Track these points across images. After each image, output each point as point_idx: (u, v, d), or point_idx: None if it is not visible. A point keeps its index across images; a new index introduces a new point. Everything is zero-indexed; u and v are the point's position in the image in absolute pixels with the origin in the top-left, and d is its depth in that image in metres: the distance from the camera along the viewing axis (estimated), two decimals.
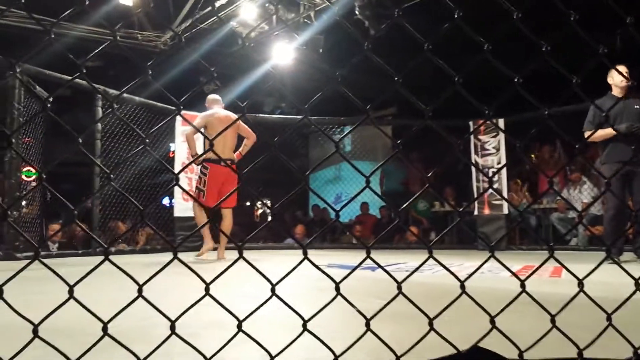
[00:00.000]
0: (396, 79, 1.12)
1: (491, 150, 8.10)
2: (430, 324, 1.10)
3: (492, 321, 1.13)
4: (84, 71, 1.03)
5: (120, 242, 7.43)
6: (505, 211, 7.99)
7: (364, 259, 1.08)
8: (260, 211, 13.91)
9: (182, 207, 7.45)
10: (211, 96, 6.03)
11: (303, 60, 9.18)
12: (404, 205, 1.41)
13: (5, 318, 1.07)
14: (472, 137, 8.13)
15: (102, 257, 1.00)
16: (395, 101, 10.90)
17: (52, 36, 1.03)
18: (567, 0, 1.22)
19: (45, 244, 7.07)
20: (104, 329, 0.97)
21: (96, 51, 1.16)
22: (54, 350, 0.95)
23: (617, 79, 4.85)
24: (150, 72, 1.06)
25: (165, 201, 9.67)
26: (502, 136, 7.93)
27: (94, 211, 6.75)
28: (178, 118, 6.46)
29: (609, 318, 1.20)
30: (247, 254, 1.04)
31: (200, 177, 5.65)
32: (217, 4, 7.66)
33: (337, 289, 1.06)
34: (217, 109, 5.82)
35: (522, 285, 1.14)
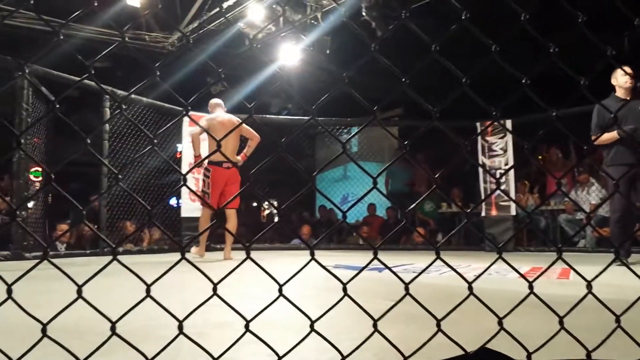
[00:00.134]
0: (403, 80, 1.12)
1: (498, 151, 8.08)
2: (438, 324, 1.10)
3: (500, 322, 1.12)
4: (92, 72, 1.04)
5: (128, 241, 7.46)
6: (513, 212, 7.96)
7: (371, 260, 1.08)
8: (267, 212, 13.92)
9: (190, 207, 7.46)
10: (213, 100, 6.13)
11: (310, 62, 9.19)
12: (412, 206, 1.41)
13: (15, 317, 1.07)
14: (479, 138, 8.11)
15: (110, 257, 1.01)
16: (402, 102, 10.89)
17: (61, 37, 1.03)
18: (573, 1, 1.22)
19: (54, 244, 7.10)
20: (112, 329, 0.97)
21: (105, 52, 1.17)
22: (63, 349, 0.96)
23: (621, 80, 4.82)
24: (158, 73, 1.06)
25: (173, 201, 9.69)
26: (509, 137, 7.91)
27: (101, 211, 6.78)
28: (185, 119, 6.48)
29: (617, 320, 1.19)
30: (254, 254, 1.04)
31: (204, 180, 5.74)
32: (225, 5, 7.68)
33: (345, 289, 1.06)
34: (219, 112, 5.92)
35: (530, 287, 1.14)
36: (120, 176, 1.11)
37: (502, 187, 6.77)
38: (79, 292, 0.96)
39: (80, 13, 1.18)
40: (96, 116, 7.29)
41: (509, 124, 7.71)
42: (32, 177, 6.99)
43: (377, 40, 1.13)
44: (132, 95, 6.59)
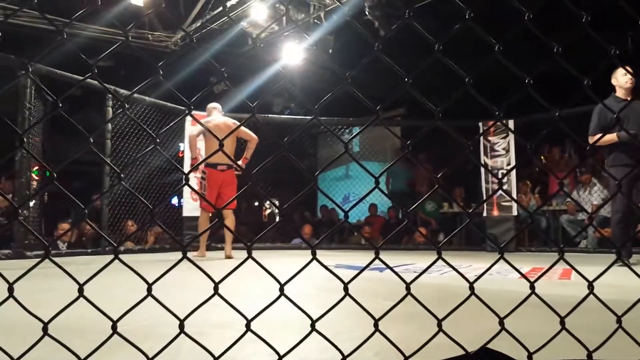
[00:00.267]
0: (406, 79, 1.12)
1: (501, 151, 8.07)
2: (439, 324, 1.10)
3: (501, 322, 1.12)
4: (95, 71, 1.04)
5: (131, 239, 7.48)
6: (515, 213, 7.95)
7: (373, 260, 1.08)
8: (268, 211, 13.93)
9: (191, 206, 7.47)
10: (211, 104, 6.25)
11: (313, 61, 9.19)
12: (414, 206, 1.41)
13: (16, 316, 1.07)
14: (481, 138, 8.11)
15: (111, 256, 1.01)
16: (404, 102, 10.88)
17: (65, 36, 1.04)
18: (575, 0, 1.22)
19: (55, 243, 7.11)
20: (114, 327, 0.97)
21: (108, 51, 1.17)
22: (64, 348, 0.96)
23: (621, 80, 4.80)
24: (161, 73, 1.07)
25: (174, 201, 9.70)
26: (511, 137, 7.90)
27: (103, 210, 6.79)
28: (187, 118, 6.49)
29: (619, 320, 1.19)
30: (255, 254, 1.04)
31: (200, 182, 5.80)
32: (228, 4, 7.69)
33: (346, 289, 1.06)
34: (215, 115, 6.05)
35: (532, 287, 1.14)
36: (122, 175, 1.11)
37: (504, 187, 6.77)
38: (81, 290, 0.96)
39: (83, 12, 1.18)
40: (99, 115, 7.30)
41: (511, 123, 7.71)
42: (34, 176, 6.99)
43: (381, 40, 1.13)
44: (135, 95, 6.60)
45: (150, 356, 0.99)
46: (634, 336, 1.18)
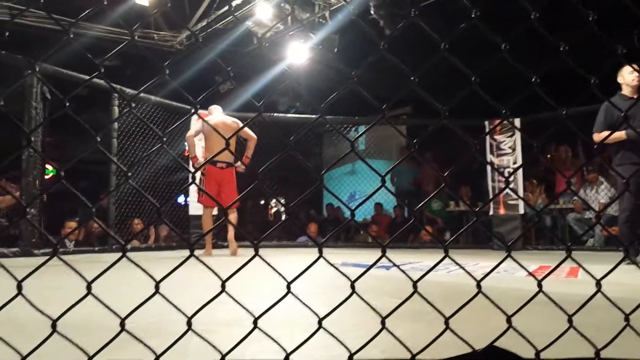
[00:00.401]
0: (412, 78, 1.12)
1: (507, 150, 8.05)
2: (446, 322, 1.10)
3: (509, 320, 1.12)
4: (102, 70, 1.04)
5: (138, 237, 7.52)
6: (521, 211, 7.93)
7: (380, 258, 1.08)
8: (274, 210, 13.94)
9: (197, 205, 7.49)
10: (212, 106, 6.34)
11: (318, 60, 9.19)
12: (421, 204, 1.41)
13: (25, 313, 1.08)
14: (487, 136, 8.09)
15: (118, 254, 1.02)
16: (410, 100, 10.87)
17: (71, 36, 1.04)
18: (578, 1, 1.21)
19: (63, 241, 7.14)
20: (122, 325, 0.98)
21: (115, 50, 1.18)
22: (73, 345, 0.96)
23: (628, 78, 4.77)
24: (167, 72, 1.07)
25: (181, 199, 9.73)
26: (518, 136, 7.88)
27: (110, 209, 6.82)
28: (193, 117, 6.53)
29: (626, 318, 1.19)
30: (261, 252, 1.05)
31: (200, 179, 5.84)
32: (233, 4, 7.69)
33: (353, 287, 1.06)
34: (215, 115, 6.12)
35: (539, 285, 1.14)
36: (129, 174, 1.12)
37: (511, 186, 6.76)
38: (89, 288, 0.97)
39: (89, 12, 1.18)
40: (105, 114, 7.33)
41: (517, 122, 7.69)
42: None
43: (386, 39, 1.13)
44: (141, 94, 6.62)
45: (158, 353, 1.00)
46: None
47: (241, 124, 5.86)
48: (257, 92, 8.87)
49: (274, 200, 13.01)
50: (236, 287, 1.04)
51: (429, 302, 1.09)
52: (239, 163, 5.87)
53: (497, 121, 7.29)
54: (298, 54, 8.68)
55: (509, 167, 7.90)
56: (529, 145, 7.75)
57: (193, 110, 1.06)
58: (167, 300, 0.99)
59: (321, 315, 1.06)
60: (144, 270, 1.01)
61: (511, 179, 7.69)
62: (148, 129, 6.90)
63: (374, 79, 7.11)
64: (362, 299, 1.06)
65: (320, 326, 1.05)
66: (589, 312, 1.24)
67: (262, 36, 7.12)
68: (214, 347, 1.01)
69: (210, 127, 5.56)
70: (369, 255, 5.85)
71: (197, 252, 1.03)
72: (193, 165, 5.94)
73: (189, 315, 1.00)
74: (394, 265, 1.10)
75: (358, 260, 5.10)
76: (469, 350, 1.11)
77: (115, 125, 6.64)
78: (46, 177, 10.87)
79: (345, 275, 1.08)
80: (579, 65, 1.20)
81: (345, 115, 8.89)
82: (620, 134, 4.57)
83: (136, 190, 6.22)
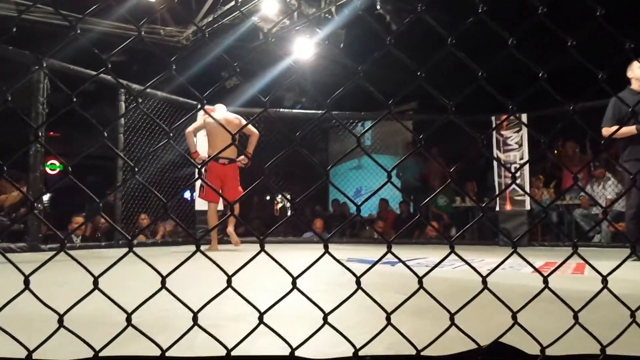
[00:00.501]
0: (419, 73, 1.12)
1: (514, 145, 8.02)
2: (452, 318, 1.10)
3: (514, 317, 1.12)
4: (109, 66, 1.05)
5: (145, 232, 7.56)
6: (528, 207, 7.91)
7: (385, 253, 1.08)
8: (280, 205, 13.95)
9: (203, 200, 7.52)
10: (215, 105, 6.38)
11: (324, 55, 9.18)
12: (427, 199, 1.41)
13: (32, 308, 1.09)
14: (494, 132, 8.06)
15: (124, 249, 1.02)
16: (416, 96, 10.84)
17: (78, 31, 1.04)
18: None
19: (70, 236, 7.19)
20: (128, 320, 0.98)
21: (122, 46, 1.18)
22: (79, 339, 0.97)
23: (638, 72, 4.74)
24: (174, 67, 1.07)
25: (187, 195, 9.76)
26: (524, 131, 7.84)
27: (116, 204, 6.84)
28: (199, 112, 6.55)
29: (632, 315, 1.19)
30: (266, 247, 1.05)
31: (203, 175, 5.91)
32: None
33: (358, 283, 1.06)
34: (217, 111, 6.16)
35: (545, 282, 1.14)
36: (136, 169, 1.12)
37: (517, 182, 6.74)
38: (95, 283, 0.97)
39: (97, 7, 1.19)
40: (111, 110, 7.35)
41: (524, 117, 7.66)
42: (48, 169, 7.05)
43: (393, 34, 1.13)
44: (148, 89, 6.64)
45: (164, 348, 1.00)
46: None
47: (243, 121, 5.95)
48: (263, 87, 8.87)
49: (279, 196, 13.02)
50: (242, 282, 1.05)
51: (434, 298, 1.09)
52: (241, 157, 5.91)
53: (504, 116, 7.27)
54: (304, 49, 8.67)
55: (515, 162, 7.87)
56: (536, 141, 7.72)
57: (199, 106, 1.07)
58: (174, 295, 1.00)
59: (327, 311, 1.06)
60: (150, 265, 1.01)
61: (518, 174, 7.66)
62: (154, 125, 6.92)
63: (380, 74, 7.10)
64: (367, 294, 1.06)
65: (325, 322, 1.05)
66: (595, 308, 1.24)
67: (268, 31, 7.11)
68: (219, 342, 1.01)
69: (212, 125, 5.63)
70: (374, 251, 5.86)
71: (203, 248, 1.03)
72: (194, 161, 5.98)
73: (195, 310, 1.01)
74: (400, 261, 1.10)
75: (363, 256, 5.10)
76: (474, 346, 1.11)
77: (122, 120, 6.66)
78: (53, 172, 10.97)
79: (351, 271, 1.08)
80: (587, 60, 1.19)
81: (352, 111, 8.88)
82: (630, 129, 4.54)
83: (143, 185, 6.24)
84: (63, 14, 1.07)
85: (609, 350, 1.14)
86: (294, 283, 1.04)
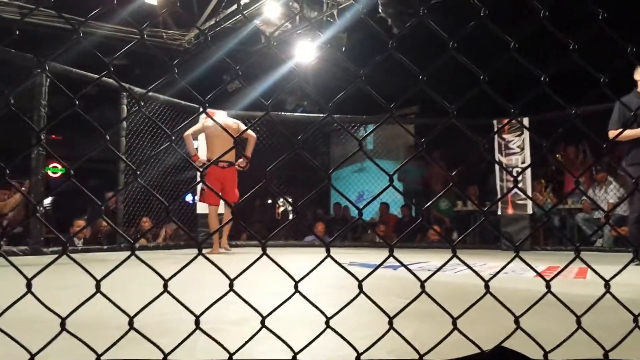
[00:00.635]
0: (421, 77, 1.12)
1: (515, 149, 8.02)
2: (454, 323, 1.09)
3: (517, 321, 1.12)
4: (112, 69, 1.05)
5: (146, 236, 7.56)
6: (530, 211, 7.90)
7: (387, 257, 1.08)
8: (281, 209, 13.96)
9: (204, 204, 7.52)
10: (215, 111, 6.58)
11: (326, 59, 9.19)
12: (429, 203, 1.41)
13: (34, 311, 1.09)
14: (495, 136, 8.05)
15: (126, 253, 1.02)
16: (417, 100, 10.85)
17: (80, 35, 1.05)
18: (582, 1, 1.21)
19: (72, 239, 7.19)
20: (130, 323, 0.98)
21: (124, 49, 1.18)
22: (81, 343, 0.97)
23: None
24: (176, 71, 1.07)
25: (188, 198, 9.76)
26: (526, 135, 7.84)
27: (118, 207, 6.85)
28: (201, 116, 6.56)
29: (635, 319, 1.18)
30: (268, 251, 1.05)
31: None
32: (242, 3, 7.71)
33: (360, 286, 1.06)
34: (217, 116, 6.31)
35: (548, 286, 1.13)
36: (138, 172, 1.12)
37: (519, 186, 6.74)
38: (98, 286, 0.97)
39: (99, 11, 1.19)
40: (113, 113, 7.36)
41: (526, 121, 7.65)
42: (50, 173, 7.06)
43: (395, 38, 1.13)
44: (149, 93, 6.65)
45: (166, 352, 1.00)
46: None
47: (242, 125, 6.02)
48: (265, 90, 8.88)
49: (281, 200, 13.03)
50: (244, 286, 1.05)
51: (436, 302, 1.09)
52: (240, 160, 5.95)
53: (506, 120, 7.27)
54: (306, 52, 8.69)
55: (517, 166, 7.87)
56: (538, 145, 7.71)
57: (201, 109, 1.07)
58: (175, 298, 1.00)
59: (329, 315, 1.06)
60: (152, 268, 1.01)
61: (520, 178, 7.65)
62: (156, 128, 6.93)
63: (382, 77, 7.10)
64: (369, 298, 1.06)
65: (327, 326, 1.05)
66: (598, 313, 1.24)
67: (270, 35, 7.12)
68: (221, 346, 1.01)
69: (211, 129, 5.69)
70: (376, 255, 5.85)
71: (204, 251, 1.03)
72: (195, 164, 6.01)
73: (197, 313, 1.01)
74: (402, 265, 1.10)
75: (365, 259, 5.09)
76: (476, 350, 1.10)
77: (124, 124, 6.67)
78: (55, 175, 10.99)
79: (353, 275, 1.08)
80: (588, 64, 1.19)
81: (353, 114, 8.89)
82: (637, 131, 4.53)
83: (144, 188, 6.26)
84: (65, 17, 1.07)
85: (612, 355, 1.13)
86: (296, 287, 1.04)
